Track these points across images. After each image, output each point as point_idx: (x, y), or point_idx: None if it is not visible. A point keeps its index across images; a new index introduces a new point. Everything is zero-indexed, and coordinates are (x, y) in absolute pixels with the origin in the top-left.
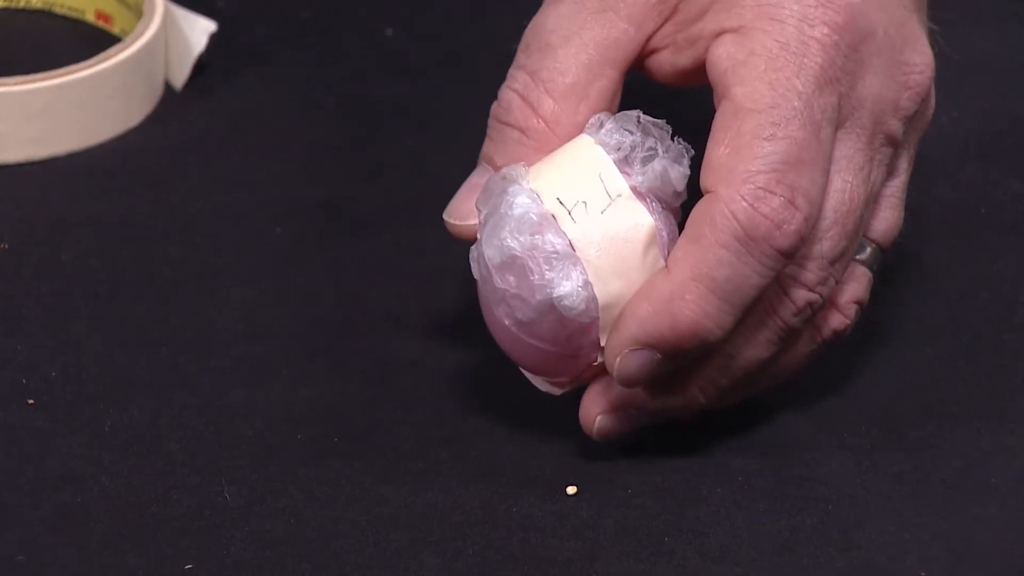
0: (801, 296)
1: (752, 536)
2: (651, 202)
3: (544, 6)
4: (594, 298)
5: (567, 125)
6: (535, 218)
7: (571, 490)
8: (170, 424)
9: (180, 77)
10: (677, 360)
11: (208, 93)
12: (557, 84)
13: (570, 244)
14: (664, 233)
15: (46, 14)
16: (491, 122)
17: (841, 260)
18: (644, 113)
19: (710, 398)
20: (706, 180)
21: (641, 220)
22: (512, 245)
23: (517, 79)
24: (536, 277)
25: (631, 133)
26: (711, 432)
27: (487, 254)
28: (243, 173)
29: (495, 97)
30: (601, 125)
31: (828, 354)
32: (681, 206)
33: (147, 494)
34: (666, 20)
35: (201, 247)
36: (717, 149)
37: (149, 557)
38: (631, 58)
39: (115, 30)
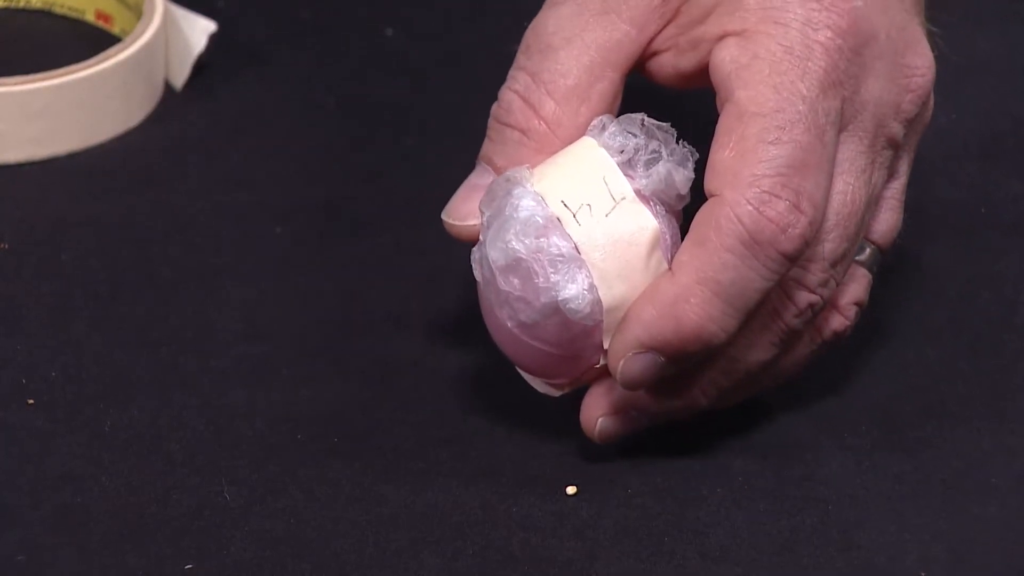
0: (803, 298)
1: (752, 536)
2: (655, 205)
3: (545, 7)
4: (599, 301)
5: (568, 127)
6: (540, 221)
7: (571, 490)
8: (170, 424)
9: (180, 77)
10: (681, 363)
11: (208, 93)
12: (558, 85)
13: (575, 247)
14: (667, 236)
15: (46, 14)
16: (491, 123)
17: (842, 262)
18: (649, 116)
19: (711, 399)
20: (710, 183)
21: (645, 223)
22: (517, 247)
23: (518, 80)
24: (541, 280)
25: (635, 136)
26: (711, 432)
27: (491, 256)
28: (243, 173)
29: (495, 98)
30: (604, 127)
31: (828, 354)
32: (683, 209)
33: (147, 494)
34: (668, 22)
35: (201, 247)
36: (721, 152)
37: (149, 557)
38: (632, 60)
39: (115, 30)
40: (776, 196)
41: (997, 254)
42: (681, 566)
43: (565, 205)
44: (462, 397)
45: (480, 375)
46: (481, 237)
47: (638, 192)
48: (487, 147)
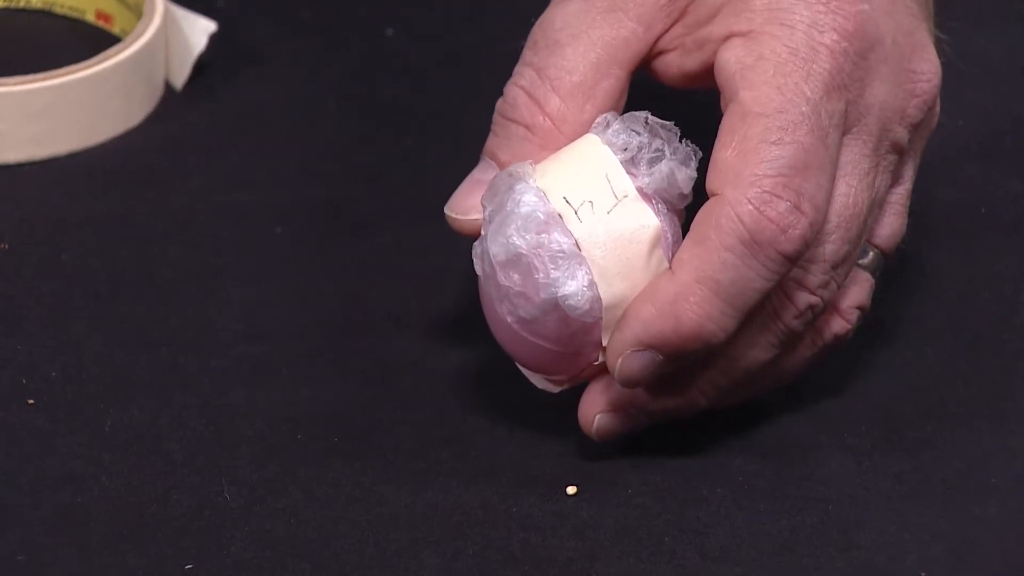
0: (803, 299)
1: (752, 536)
2: (657, 203)
3: (553, 4)
4: (598, 298)
5: (572, 123)
6: (542, 216)
7: (571, 490)
8: (170, 424)
9: (180, 77)
10: (679, 362)
11: (208, 93)
12: (564, 82)
13: (576, 244)
14: (669, 235)
15: (46, 14)
16: (496, 118)
17: (843, 264)
18: (652, 114)
19: (710, 399)
20: (712, 183)
21: (647, 221)
22: (518, 243)
23: (524, 76)
24: (541, 276)
25: (638, 134)
26: (711, 432)
27: (492, 251)
28: (243, 173)
29: (495, 97)
30: (608, 125)
31: (829, 355)
32: (686, 208)
33: (147, 494)
34: (675, 22)
35: (201, 247)
36: (724, 152)
37: (149, 557)
38: (639, 58)
39: (115, 30)
40: (777, 196)
41: (997, 254)
42: (681, 566)
43: (567, 201)
44: (462, 397)
45: (480, 375)
46: (483, 232)
47: (640, 190)
48: (491, 142)
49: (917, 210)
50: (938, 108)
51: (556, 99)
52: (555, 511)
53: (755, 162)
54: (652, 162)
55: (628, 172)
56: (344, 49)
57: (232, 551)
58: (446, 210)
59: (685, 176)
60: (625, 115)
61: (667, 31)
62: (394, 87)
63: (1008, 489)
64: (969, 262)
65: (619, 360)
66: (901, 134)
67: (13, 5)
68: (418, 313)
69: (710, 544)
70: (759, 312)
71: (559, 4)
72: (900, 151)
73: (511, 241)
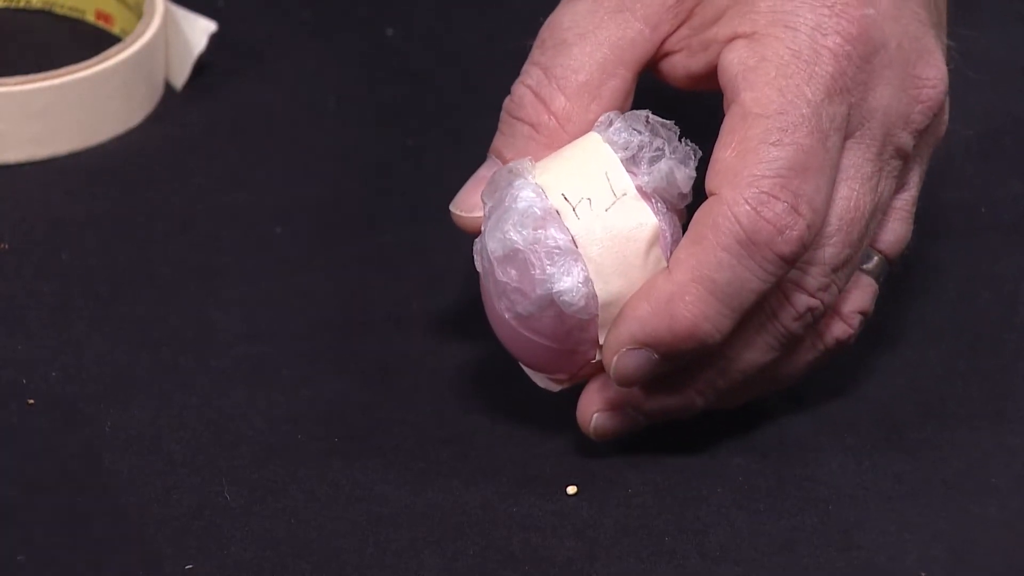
0: (802, 301)
1: (752, 536)
2: (656, 202)
3: (561, 3)
4: (594, 295)
5: (578, 123)
6: (539, 212)
7: (571, 490)
8: (170, 424)
9: (180, 77)
10: (674, 361)
11: (208, 93)
12: (570, 81)
13: (573, 240)
14: (667, 234)
15: (46, 14)
16: (503, 116)
17: (844, 268)
18: (653, 113)
19: (708, 400)
20: (711, 182)
21: (645, 220)
22: (514, 238)
23: (531, 75)
24: (537, 271)
25: (639, 133)
26: (711, 432)
27: (489, 247)
28: (243, 173)
29: (495, 96)
30: (610, 123)
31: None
32: (686, 207)
33: (147, 494)
34: (682, 23)
35: (201, 247)
36: (723, 152)
37: (149, 557)
38: (645, 59)
39: (115, 30)
40: (774, 197)
41: (997, 254)
42: (681, 566)
43: (565, 198)
44: (462, 397)
45: (480, 375)
46: (482, 228)
47: (640, 189)
48: (498, 140)
49: (917, 210)
50: (946, 115)
51: (562, 98)
52: (555, 511)
53: (754, 163)
54: (652, 161)
55: (628, 171)
56: (344, 49)
57: (232, 551)
58: (451, 207)
59: (684, 175)
60: (626, 114)
61: (674, 32)
62: (394, 87)
63: (1008, 489)
64: (969, 262)
65: (615, 358)
66: (905, 139)
67: (13, 5)
68: (418, 313)
69: (710, 544)
70: (757, 313)
71: (568, 4)
72: (905, 157)
73: (508, 237)
